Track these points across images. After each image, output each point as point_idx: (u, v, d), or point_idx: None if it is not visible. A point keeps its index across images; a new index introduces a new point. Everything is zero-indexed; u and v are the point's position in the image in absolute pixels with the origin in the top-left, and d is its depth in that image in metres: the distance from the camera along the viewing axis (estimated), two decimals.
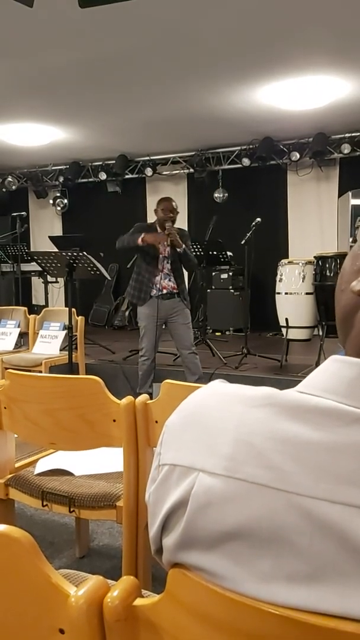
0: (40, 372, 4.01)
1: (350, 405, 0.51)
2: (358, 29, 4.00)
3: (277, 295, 4.91)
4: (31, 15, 3.49)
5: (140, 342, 4.15)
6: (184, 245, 4.01)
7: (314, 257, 4.66)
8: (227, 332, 7.12)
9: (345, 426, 0.50)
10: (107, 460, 1.90)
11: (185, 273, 4.36)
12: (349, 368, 0.53)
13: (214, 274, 7.25)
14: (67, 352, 4.04)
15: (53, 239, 6.25)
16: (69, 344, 4.03)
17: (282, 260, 4.98)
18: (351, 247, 0.65)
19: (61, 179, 8.31)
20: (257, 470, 0.51)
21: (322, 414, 0.51)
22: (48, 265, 4.13)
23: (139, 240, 3.93)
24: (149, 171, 7.75)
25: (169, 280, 4.08)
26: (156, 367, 4.30)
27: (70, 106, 5.69)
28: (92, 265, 3.95)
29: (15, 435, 1.87)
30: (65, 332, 4.32)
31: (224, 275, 7.22)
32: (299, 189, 7.33)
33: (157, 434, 1.57)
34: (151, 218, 7.65)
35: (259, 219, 4.98)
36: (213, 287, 7.21)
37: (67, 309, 4.10)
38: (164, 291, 4.06)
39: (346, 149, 6.58)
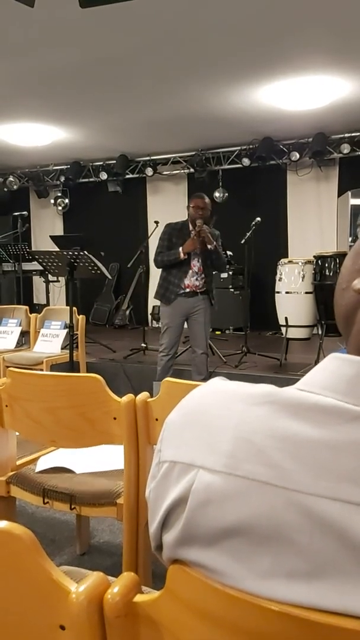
0: (42, 370, 4.01)
1: (350, 403, 0.51)
2: (358, 29, 4.00)
3: (276, 295, 4.91)
4: (32, 15, 3.49)
5: (161, 338, 4.16)
6: (215, 243, 3.98)
7: (314, 256, 4.66)
8: (227, 331, 7.13)
9: (345, 424, 0.50)
10: (108, 457, 1.91)
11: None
12: (349, 366, 0.53)
13: (214, 273, 7.22)
14: (68, 351, 4.04)
15: (54, 238, 6.25)
16: (70, 342, 4.03)
17: (282, 260, 4.98)
18: (351, 246, 0.65)
19: (62, 178, 8.31)
20: (257, 467, 0.51)
21: (322, 412, 0.51)
22: (49, 264, 4.13)
23: (180, 256, 3.93)
24: (149, 171, 7.75)
25: (196, 279, 4.05)
26: (153, 366, 4.31)
27: (71, 106, 5.69)
28: (92, 264, 3.95)
29: (17, 433, 1.87)
30: (66, 330, 4.33)
31: (224, 275, 7.22)
32: (299, 189, 7.32)
33: (157, 432, 1.57)
34: (151, 217, 7.70)
35: (258, 219, 4.98)
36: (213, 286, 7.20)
37: (68, 307, 4.11)
38: (187, 290, 4.03)
39: (346, 149, 6.58)
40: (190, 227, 4.03)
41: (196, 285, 4.05)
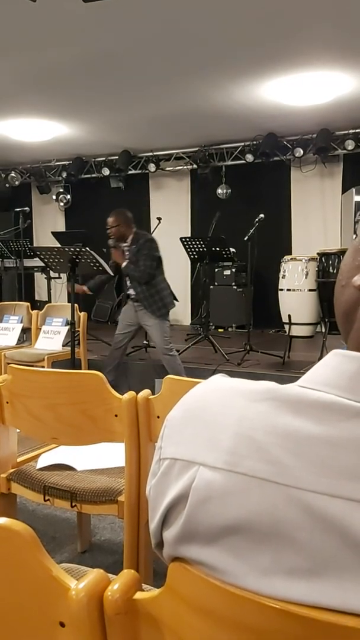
0: (43, 367, 4.01)
1: (351, 399, 0.50)
2: None
3: (279, 292, 4.91)
4: (35, 10, 3.48)
5: None
6: (125, 263, 4.17)
7: (317, 253, 4.65)
8: (229, 329, 7.13)
9: (346, 420, 0.49)
10: (109, 455, 1.91)
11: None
12: (350, 362, 0.53)
13: (216, 270, 7.25)
14: (69, 348, 4.04)
15: (56, 234, 6.26)
16: (72, 339, 4.03)
17: (285, 257, 4.98)
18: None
19: (64, 174, 8.31)
20: (258, 464, 0.50)
21: (323, 409, 0.51)
22: (51, 260, 4.13)
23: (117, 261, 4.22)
24: (152, 167, 7.74)
25: (130, 287, 4.29)
26: (155, 363, 4.36)
27: (74, 102, 5.69)
28: (94, 261, 3.94)
29: (18, 430, 1.88)
30: (67, 327, 4.33)
31: (227, 272, 7.21)
32: (303, 186, 7.31)
33: (158, 429, 1.57)
34: (154, 214, 7.68)
35: (262, 215, 4.97)
36: (216, 283, 7.21)
37: (70, 304, 4.10)
38: (133, 296, 4.29)
39: (350, 145, 6.56)
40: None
41: (132, 292, 4.27)
